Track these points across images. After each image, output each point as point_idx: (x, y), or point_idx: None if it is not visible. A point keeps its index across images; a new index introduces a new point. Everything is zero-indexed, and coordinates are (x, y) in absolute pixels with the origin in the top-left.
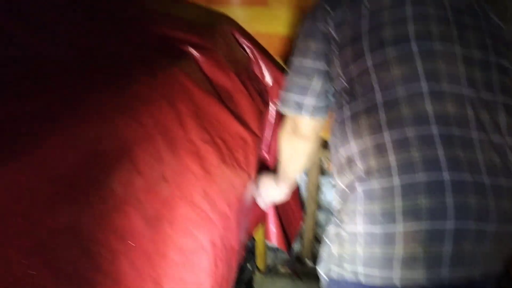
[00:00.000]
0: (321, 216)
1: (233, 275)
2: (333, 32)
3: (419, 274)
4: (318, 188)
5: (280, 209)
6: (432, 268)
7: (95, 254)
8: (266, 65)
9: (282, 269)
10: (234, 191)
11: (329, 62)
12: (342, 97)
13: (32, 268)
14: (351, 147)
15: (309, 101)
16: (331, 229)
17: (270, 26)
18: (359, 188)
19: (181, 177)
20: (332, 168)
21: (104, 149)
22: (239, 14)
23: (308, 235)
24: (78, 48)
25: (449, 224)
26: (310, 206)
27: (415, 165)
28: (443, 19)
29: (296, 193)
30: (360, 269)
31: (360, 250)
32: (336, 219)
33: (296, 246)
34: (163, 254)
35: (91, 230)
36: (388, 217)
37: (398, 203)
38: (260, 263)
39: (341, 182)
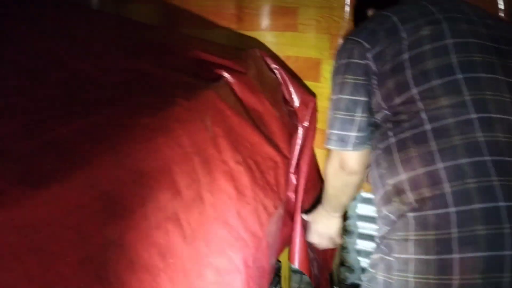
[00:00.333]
0: (346, 240)
1: None
2: (372, 65)
3: None
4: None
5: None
6: None
7: (139, 269)
8: (295, 88)
9: None
10: (265, 212)
11: (369, 94)
12: (385, 126)
13: (83, 281)
14: (400, 176)
15: (353, 134)
16: (376, 256)
17: (299, 49)
18: (411, 217)
19: (216, 197)
20: (375, 197)
21: (147, 168)
22: (269, 39)
23: (334, 259)
24: (123, 73)
25: (508, 252)
26: None
27: (470, 194)
28: (484, 48)
29: None
30: None
31: (411, 278)
32: (383, 247)
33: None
34: (200, 273)
35: (135, 246)
36: (444, 245)
37: (454, 232)
38: (284, 285)
39: (387, 211)
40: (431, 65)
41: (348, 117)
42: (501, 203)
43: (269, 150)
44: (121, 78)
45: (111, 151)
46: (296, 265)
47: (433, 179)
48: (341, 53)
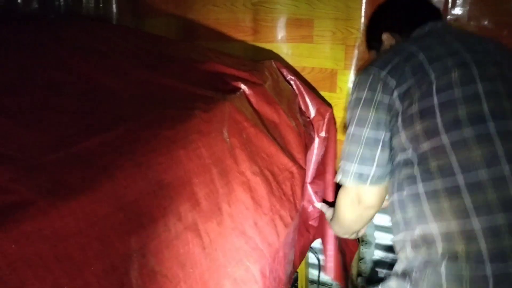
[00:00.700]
0: (364, 250)
1: None
2: (397, 104)
3: None
4: None
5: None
6: None
7: (160, 279)
8: (311, 99)
9: None
10: (281, 223)
11: (392, 132)
12: (411, 169)
13: None
14: (430, 227)
15: (373, 172)
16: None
17: (314, 60)
18: (444, 268)
19: (233, 207)
20: (395, 235)
21: (168, 179)
22: (285, 50)
23: (352, 270)
24: (143, 86)
25: None
26: None
27: (508, 254)
28: None
29: None
30: None
31: None
32: (407, 282)
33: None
34: (218, 283)
35: (156, 256)
36: None
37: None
38: None
39: (412, 252)
40: (462, 113)
41: (367, 153)
42: None
43: (285, 161)
44: (141, 91)
45: (133, 163)
46: (329, 275)
47: (469, 238)
48: (362, 85)
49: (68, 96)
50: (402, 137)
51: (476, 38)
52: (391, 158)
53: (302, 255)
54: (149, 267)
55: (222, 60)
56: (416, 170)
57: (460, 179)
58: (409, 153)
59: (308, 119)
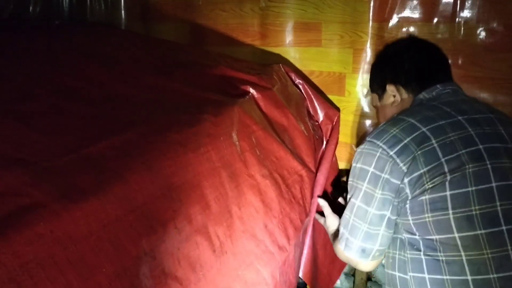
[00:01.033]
0: None
1: None
2: (406, 189)
3: None
4: None
5: (319, 242)
6: None
7: (171, 282)
8: (319, 102)
9: None
10: (291, 226)
11: (399, 213)
12: (417, 254)
13: None
14: None
15: (375, 248)
16: None
17: (323, 64)
18: None
19: (243, 210)
20: None
21: (178, 182)
22: (293, 54)
23: (360, 273)
24: (154, 91)
25: None
26: None
27: None
28: None
29: None
30: None
31: None
32: None
33: (347, 285)
34: (228, 286)
35: (167, 259)
36: None
37: None
38: None
39: None
40: (476, 211)
41: (372, 231)
42: None
43: (294, 164)
44: (152, 96)
45: (144, 167)
46: (300, 274)
47: None
48: (368, 159)
49: (80, 101)
50: (410, 221)
51: (487, 116)
52: (395, 231)
53: None
54: (159, 269)
55: (230, 64)
56: (423, 257)
57: (469, 278)
58: (416, 238)
59: (316, 123)
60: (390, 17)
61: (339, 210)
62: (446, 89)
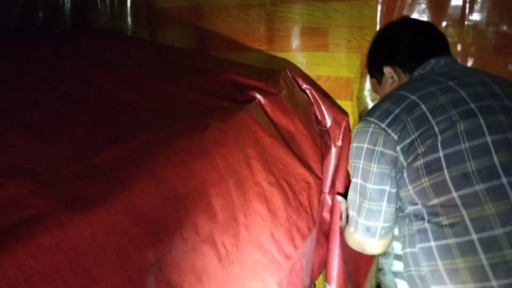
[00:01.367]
0: (383, 261)
1: None
2: (401, 158)
3: None
4: None
5: (346, 252)
6: None
7: None
8: (326, 107)
9: None
10: (298, 234)
11: (399, 185)
12: (422, 225)
13: None
14: (445, 283)
15: (380, 227)
16: None
17: (330, 69)
18: None
19: (249, 218)
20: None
21: (184, 191)
22: (300, 59)
23: (370, 281)
24: (160, 98)
25: None
26: None
27: None
28: None
29: None
30: None
31: None
32: None
33: None
34: None
35: (173, 269)
36: None
37: None
38: None
39: None
40: (472, 168)
41: (373, 207)
42: None
43: (301, 171)
44: (157, 103)
45: (150, 175)
46: (333, 286)
47: None
48: (361, 136)
49: (86, 109)
50: (410, 191)
51: (481, 78)
52: (401, 207)
53: (321, 267)
54: (166, 280)
55: (237, 70)
56: (427, 225)
57: (474, 237)
58: (419, 207)
59: (324, 128)
60: None
61: None
62: (440, 61)
